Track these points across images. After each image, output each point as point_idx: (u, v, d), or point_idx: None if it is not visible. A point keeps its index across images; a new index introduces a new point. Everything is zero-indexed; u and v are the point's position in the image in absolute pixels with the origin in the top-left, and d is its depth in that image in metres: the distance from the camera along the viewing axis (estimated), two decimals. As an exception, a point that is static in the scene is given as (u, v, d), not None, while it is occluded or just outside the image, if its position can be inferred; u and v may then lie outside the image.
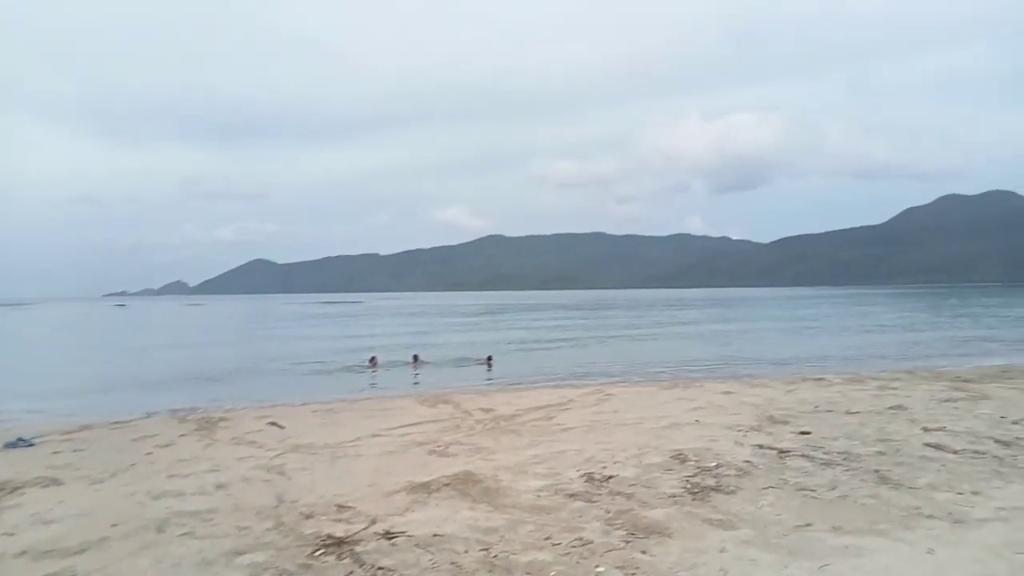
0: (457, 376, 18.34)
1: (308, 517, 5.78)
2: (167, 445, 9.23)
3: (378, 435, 9.41)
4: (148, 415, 12.51)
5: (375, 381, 17.79)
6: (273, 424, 10.53)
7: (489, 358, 21.45)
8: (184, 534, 5.48)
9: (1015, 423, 9.02)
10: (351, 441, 8.99)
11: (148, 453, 8.70)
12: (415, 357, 21.39)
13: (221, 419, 11.32)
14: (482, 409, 11.52)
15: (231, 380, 18.41)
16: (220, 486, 6.91)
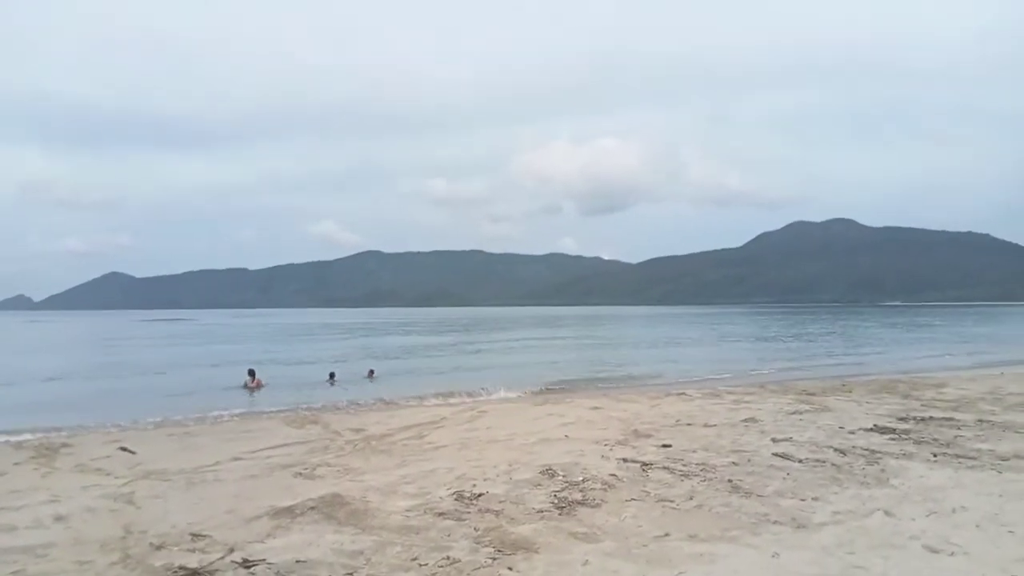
0: (328, 395, 17.83)
1: (159, 548, 5.42)
2: (-2, 475, 8.39)
3: (240, 458, 8.98)
4: (-24, 442, 11.33)
5: (249, 400, 17.09)
6: (123, 449, 9.81)
7: (332, 375, 21.38)
8: (14, 573, 4.99)
9: (851, 433, 9.82)
10: (210, 465, 8.53)
11: (-26, 485, 7.86)
12: (331, 375, 21.13)
13: (63, 445, 10.41)
14: (352, 429, 11.26)
15: (76, 402, 16.99)
16: (59, 518, 6.35)
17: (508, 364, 27.86)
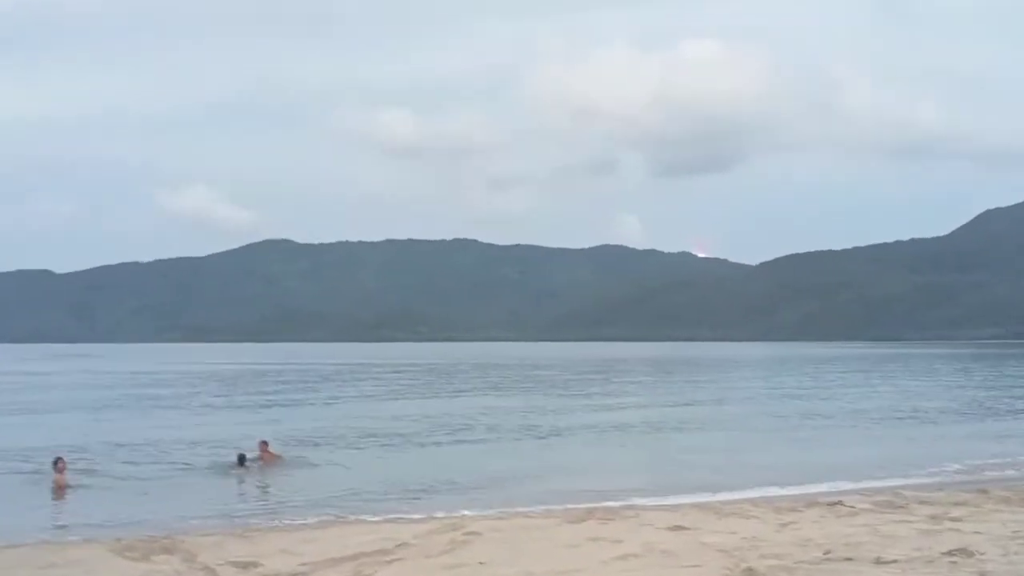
0: (194, 502, 17.90)
1: None
2: None
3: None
4: None
5: (54, 513, 17.31)
6: None
7: (242, 457, 21.82)
8: None
9: None
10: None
11: None
12: (241, 458, 21.66)
13: None
14: (236, 563, 11.31)
15: None
16: None
17: (522, 451, 27.90)
